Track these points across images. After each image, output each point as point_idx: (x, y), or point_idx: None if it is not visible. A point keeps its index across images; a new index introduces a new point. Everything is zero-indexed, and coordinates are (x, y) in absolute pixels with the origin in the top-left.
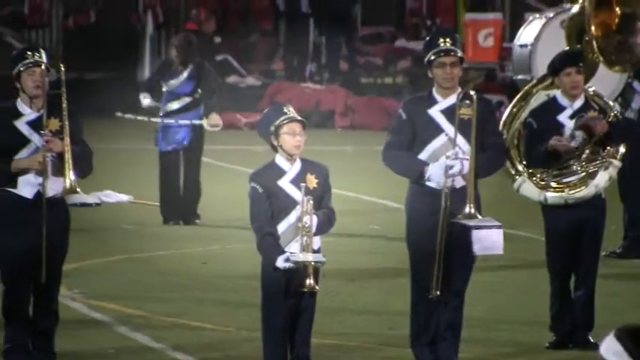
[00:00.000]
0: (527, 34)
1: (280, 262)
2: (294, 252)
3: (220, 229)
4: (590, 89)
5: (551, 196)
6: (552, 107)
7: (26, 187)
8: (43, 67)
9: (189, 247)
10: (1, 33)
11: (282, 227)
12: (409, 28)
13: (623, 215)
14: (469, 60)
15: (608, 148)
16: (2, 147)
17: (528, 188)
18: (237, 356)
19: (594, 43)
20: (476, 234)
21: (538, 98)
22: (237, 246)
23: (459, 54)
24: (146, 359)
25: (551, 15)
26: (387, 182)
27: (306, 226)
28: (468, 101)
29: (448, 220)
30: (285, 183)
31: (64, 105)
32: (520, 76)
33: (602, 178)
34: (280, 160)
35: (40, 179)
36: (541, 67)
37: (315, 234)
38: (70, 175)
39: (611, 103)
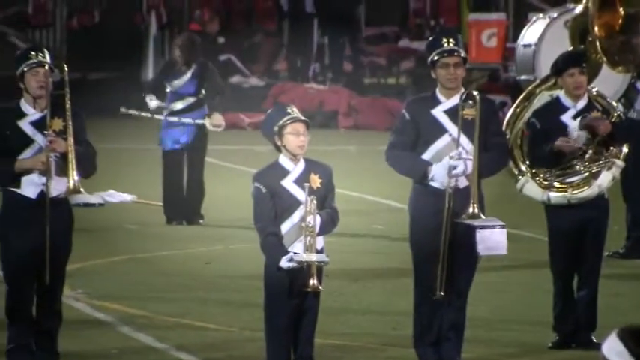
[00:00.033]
0: (530, 33)
1: (284, 262)
2: (297, 252)
3: (223, 229)
4: (594, 90)
5: (554, 196)
6: (555, 107)
7: (30, 187)
8: (46, 67)
9: (192, 247)
10: (5, 33)
11: (285, 227)
12: (413, 28)
13: (625, 215)
14: (472, 60)
15: (611, 148)
16: (6, 147)
17: (531, 188)
18: (241, 356)
19: (597, 43)
20: (480, 234)
21: (541, 98)
22: (240, 246)
23: (463, 54)
24: (149, 359)
25: (555, 15)
26: (391, 182)
27: (310, 226)
28: (471, 101)
29: (452, 221)
30: (288, 183)
31: (68, 105)
32: (523, 76)
33: (605, 179)
34: (284, 160)
35: (43, 179)
36: (544, 67)
37: (319, 234)
38: (74, 176)
39: (614, 104)
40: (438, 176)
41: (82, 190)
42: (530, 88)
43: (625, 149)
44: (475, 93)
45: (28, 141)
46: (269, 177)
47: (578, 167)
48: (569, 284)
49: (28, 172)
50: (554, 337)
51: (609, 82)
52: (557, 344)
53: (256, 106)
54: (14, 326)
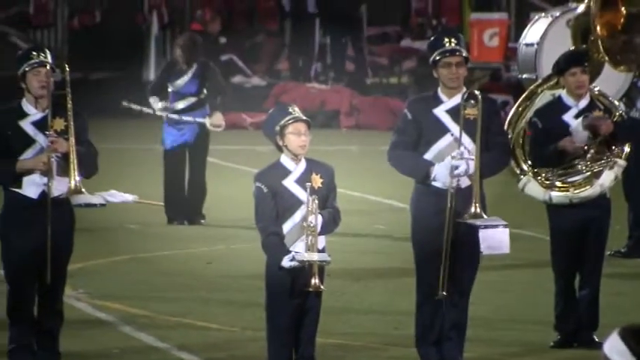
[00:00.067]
0: (532, 32)
1: (285, 262)
2: (299, 251)
3: (225, 229)
4: (596, 89)
5: (556, 195)
6: (557, 107)
7: (31, 187)
8: (48, 67)
9: (194, 247)
10: (6, 33)
11: (287, 227)
12: (415, 28)
13: (627, 215)
14: (474, 60)
15: (613, 147)
16: (7, 147)
17: (533, 188)
18: (243, 356)
19: (600, 42)
20: (483, 233)
21: (543, 98)
22: (242, 246)
23: (464, 54)
24: (151, 359)
25: (557, 14)
26: (393, 182)
27: (311, 225)
28: (473, 101)
29: (454, 220)
30: (290, 183)
31: (69, 105)
32: (525, 76)
33: (607, 178)
34: (285, 159)
35: (45, 179)
36: (546, 67)
37: (320, 233)
38: (75, 176)
39: (616, 103)
40: (440, 176)
41: (83, 190)
42: (532, 87)
43: (627, 148)
44: (477, 92)
45: (29, 141)
46: (270, 176)
47: (580, 166)
48: (570, 283)
49: (30, 172)
50: (556, 336)
51: (611, 81)
52: (559, 343)
53: (258, 105)
54: (15, 326)
